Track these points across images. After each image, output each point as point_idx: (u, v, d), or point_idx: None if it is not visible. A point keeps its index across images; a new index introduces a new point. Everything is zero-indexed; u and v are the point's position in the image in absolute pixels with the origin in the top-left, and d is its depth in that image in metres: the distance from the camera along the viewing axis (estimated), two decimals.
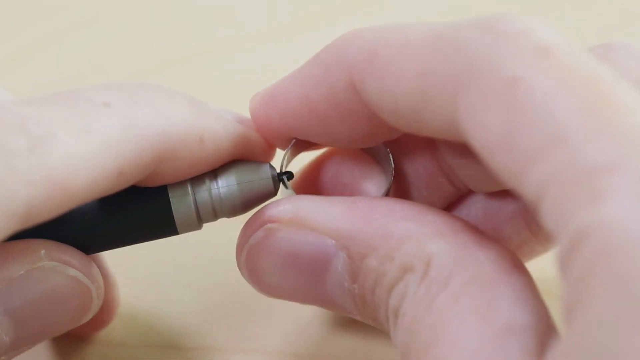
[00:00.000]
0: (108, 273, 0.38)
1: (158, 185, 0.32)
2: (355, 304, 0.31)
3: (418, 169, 0.34)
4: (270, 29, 0.53)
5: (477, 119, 0.26)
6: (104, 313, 0.38)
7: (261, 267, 0.32)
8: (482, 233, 0.29)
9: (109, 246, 0.33)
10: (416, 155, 0.34)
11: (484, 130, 0.25)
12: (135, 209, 0.32)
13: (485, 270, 0.27)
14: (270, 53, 0.52)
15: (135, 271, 0.42)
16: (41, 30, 0.53)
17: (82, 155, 0.28)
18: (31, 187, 0.27)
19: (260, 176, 0.33)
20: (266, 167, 0.33)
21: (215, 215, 0.33)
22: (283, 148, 0.34)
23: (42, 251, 0.31)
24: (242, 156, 0.33)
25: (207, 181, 0.33)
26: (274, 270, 0.32)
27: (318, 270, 0.31)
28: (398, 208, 0.30)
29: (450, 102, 0.27)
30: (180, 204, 0.32)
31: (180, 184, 0.32)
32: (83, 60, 0.52)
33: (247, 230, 0.32)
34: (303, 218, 0.31)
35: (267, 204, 0.32)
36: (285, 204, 0.31)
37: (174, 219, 0.32)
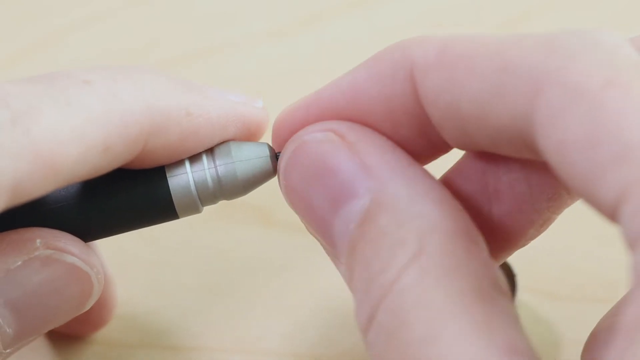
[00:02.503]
0: (106, 272, 0.38)
1: (154, 166, 0.32)
2: (348, 250, 0.29)
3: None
4: (270, 29, 0.53)
5: (559, 118, 0.25)
6: (102, 312, 0.38)
7: (299, 163, 0.30)
8: (477, 240, 0.28)
9: (107, 232, 0.33)
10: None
11: (565, 129, 0.25)
12: (132, 191, 0.32)
13: (478, 281, 0.27)
14: (270, 53, 0.52)
15: (134, 272, 0.42)
16: (40, 31, 0.53)
17: (66, 128, 0.28)
18: (17, 160, 0.27)
19: (258, 155, 0.33)
20: (264, 147, 0.33)
21: (214, 195, 0.33)
22: None
23: (38, 240, 0.31)
24: (240, 137, 0.33)
25: (204, 159, 0.32)
26: (306, 173, 0.30)
27: (339, 198, 0.29)
28: (431, 192, 0.28)
29: (527, 99, 0.26)
30: (178, 181, 0.32)
31: (178, 163, 0.32)
32: (82, 61, 0.52)
33: (310, 127, 0.31)
34: (359, 148, 0.29)
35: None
36: (360, 130, 0.30)
37: (172, 199, 0.32)
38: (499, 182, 0.32)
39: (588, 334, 0.30)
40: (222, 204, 0.34)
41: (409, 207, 0.28)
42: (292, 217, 0.39)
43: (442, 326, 0.26)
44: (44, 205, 0.32)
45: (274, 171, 0.33)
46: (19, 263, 0.31)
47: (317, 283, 0.41)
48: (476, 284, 0.26)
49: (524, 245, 0.33)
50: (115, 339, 0.40)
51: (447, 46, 0.28)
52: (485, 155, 0.31)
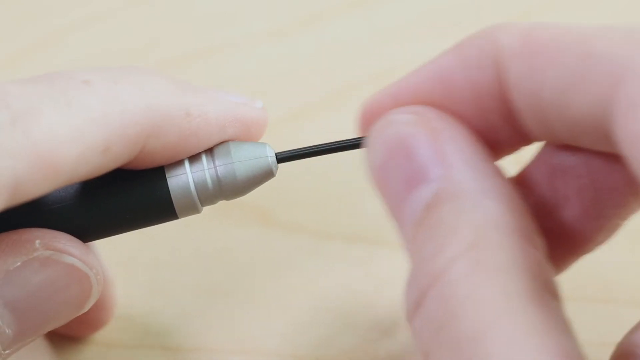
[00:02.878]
0: (105, 272, 0.38)
1: (154, 166, 0.32)
2: (411, 235, 0.29)
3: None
4: (270, 29, 0.53)
5: (637, 110, 0.25)
6: (102, 313, 0.38)
7: (381, 141, 0.30)
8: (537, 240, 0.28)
9: (107, 233, 0.33)
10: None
11: None
12: (132, 191, 0.32)
13: (532, 282, 0.26)
14: (270, 53, 0.52)
15: (134, 272, 0.42)
16: (40, 31, 0.53)
17: (65, 129, 0.28)
18: (17, 159, 0.27)
19: (257, 155, 0.33)
20: (264, 147, 0.33)
21: (214, 195, 0.33)
22: None
23: (37, 241, 0.31)
24: (240, 137, 0.33)
25: (204, 159, 0.32)
26: (386, 152, 0.30)
27: (412, 181, 0.29)
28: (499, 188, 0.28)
29: (608, 89, 0.26)
30: (177, 182, 0.32)
31: (177, 163, 0.32)
32: (82, 61, 0.52)
33: (398, 109, 0.30)
34: (440, 135, 0.29)
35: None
36: (445, 118, 0.30)
37: (171, 199, 0.32)
38: (568, 188, 0.31)
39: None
40: (222, 204, 0.34)
41: (471, 199, 0.28)
42: (292, 217, 0.39)
43: (493, 325, 0.25)
44: (44, 206, 0.32)
45: (273, 172, 0.33)
46: (18, 264, 0.31)
47: (317, 283, 0.41)
48: (530, 284, 0.26)
49: (591, 251, 0.33)
50: (115, 339, 0.40)
51: (532, 33, 0.28)
52: (555, 159, 0.31)
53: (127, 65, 0.32)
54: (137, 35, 0.53)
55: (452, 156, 0.29)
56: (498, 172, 0.29)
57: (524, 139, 0.30)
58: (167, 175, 0.32)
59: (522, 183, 0.32)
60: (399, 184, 0.29)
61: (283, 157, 0.33)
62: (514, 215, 0.28)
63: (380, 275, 0.42)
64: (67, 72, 0.30)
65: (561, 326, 0.25)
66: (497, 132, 0.30)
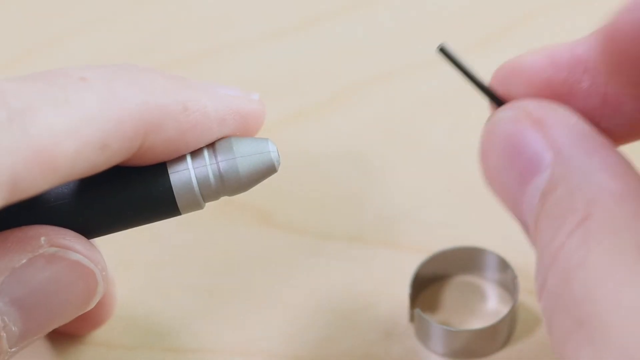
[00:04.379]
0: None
1: (155, 162, 0.32)
2: (533, 226, 0.29)
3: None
4: (270, 30, 0.53)
5: None
6: (102, 311, 0.38)
7: (491, 142, 0.30)
8: None
9: (110, 229, 0.33)
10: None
11: None
12: (135, 187, 0.32)
13: None
14: (270, 53, 0.52)
15: (135, 273, 0.42)
16: (42, 34, 0.53)
17: (63, 126, 0.28)
18: (14, 157, 0.27)
19: (259, 150, 0.33)
20: (266, 142, 0.33)
21: (216, 191, 0.33)
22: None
23: (43, 238, 0.31)
24: (238, 130, 0.33)
25: (206, 155, 0.32)
26: (497, 152, 0.30)
27: (526, 174, 0.29)
28: (619, 165, 0.28)
29: None
30: (180, 177, 0.32)
31: (179, 159, 0.32)
32: (83, 62, 0.52)
33: (503, 107, 0.31)
34: (545, 123, 0.30)
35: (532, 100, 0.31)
36: (547, 105, 0.30)
37: (174, 195, 0.32)
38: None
39: None
40: (223, 204, 0.34)
41: (582, 177, 0.28)
42: (292, 217, 0.40)
43: (600, 282, 0.26)
44: (47, 203, 0.32)
45: (275, 167, 0.33)
46: (24, 261, 0.31)
47: (318, 283, 0.41)
48: (637, 245, 0.26)
49: None
50: (115, 339, 0.40)
51: None
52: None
53: (123, 63, 0.32)
54: (138, 37, 0.53)
55: (559, 140, 0.29)
56: (605, 145, 0.29)
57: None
58: (169, 171, 0.32)
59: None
60: (514, 182, 0.30)
61: (445, 51, 0.31)
62: (625, 181, 0.28)
63: (380, 275, 0.42)
64: (64, 69, 0.30)
65: None
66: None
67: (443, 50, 0.31)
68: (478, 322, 0.40)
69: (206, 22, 0.54)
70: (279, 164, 0.33)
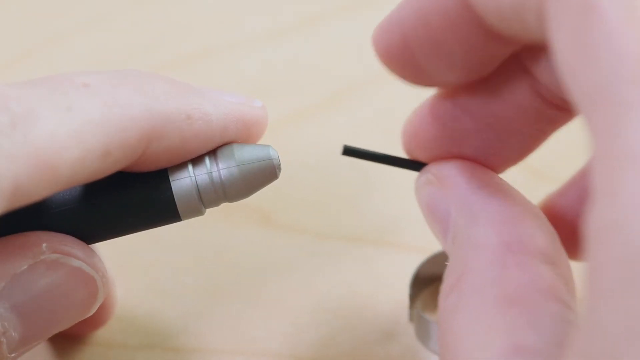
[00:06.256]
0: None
1: (157, 169, 0.32)
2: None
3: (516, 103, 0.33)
4: (270, 30, 0.53)
5: (554, 29, 0.25)
6: (102, 312, 0.38)
7: (419, 203, 0.34)
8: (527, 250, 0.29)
9: (111, 235, 0.33)
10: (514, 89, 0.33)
11: (558, 43, 0.25)
12: (136, 194, 0.32)
13: (513, 290, 0.28)
14: (270, 53, 0.52)
15: (134, 273, 0.42)
16: (42, 33, 0.53)
17: (65, 133, 0.28)
18: (16, 163, 0.27)
19: (261, 158, 0.33)
20: (267, 149, 0.33)
21: (217, 198, 0.33)
22: (405, 77, 0.33)
23: (44, 244, 0.31)
24: (240, 137, 0.33)
25: (207, 162, 0.32)
26: (424, 213, 0.33)
27: (443, 230, 0.32)
28: (502, 210, 0.31)
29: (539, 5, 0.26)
30: (181, 185, 0.32)
31: (180, 165, 0.32)
32: (83, 62, 0.52)
33: (421, 174, 0.34)
34: (448, 182, 0.32)
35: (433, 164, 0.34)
36: (446, 167, 0.33)
37: (174, 201, 0.32)
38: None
39: None
40: (223, 204, 0.34)
41: (463, 231, 0.31)
42: (292, 218, 0.40)
43: (460, 349, 0.28)
44: (48, 209, 0.32)
45: (276, 175, 0.33)
46: (25, 267, 0.31)
47: (317, 284, 0.41)
48: (510, 291, 0.28)
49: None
50: (115, 339, 0.40)
51: None
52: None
53: (127, 68, 0.32)
54: (139, 37, 0.53)
55: (455, 201, 0.32)
56: (491, 193, 0.31)
57: (501, 49, 0.31)
58: (170, 179, 0.32)
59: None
60: (439, 235, 0.33)
61: (349, 150, 0.33)
62: (507, 232, 0.30)
63: (380, 275, 0.42)
64: (66, 74, 0.30)
65: (539, 325, 0.27)
66: (476, 50, 0.31)
67: (347, 151, 0.33)
68: None
69: (206, 22, 0.54)
70: (280, 171, 0.33)
